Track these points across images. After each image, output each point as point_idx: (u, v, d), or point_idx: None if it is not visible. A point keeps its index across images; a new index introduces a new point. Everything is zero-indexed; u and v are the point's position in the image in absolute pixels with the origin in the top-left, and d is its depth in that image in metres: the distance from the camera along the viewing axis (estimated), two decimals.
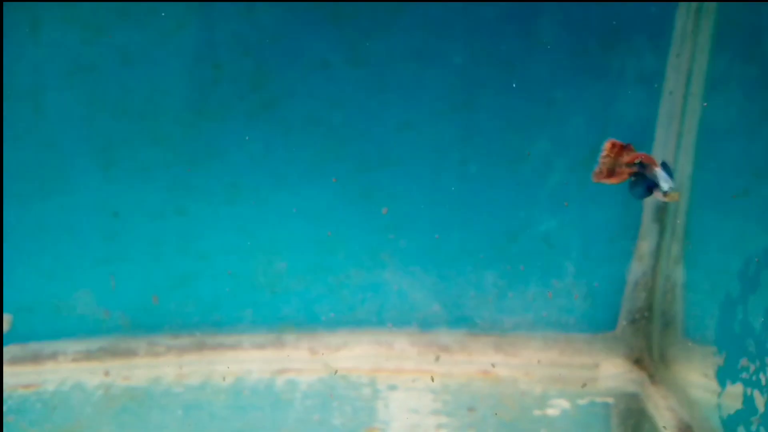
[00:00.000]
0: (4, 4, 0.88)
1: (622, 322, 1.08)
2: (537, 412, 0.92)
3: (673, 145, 0.97)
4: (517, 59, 0.97)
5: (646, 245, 1.04)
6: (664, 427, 0.88)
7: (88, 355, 1.06)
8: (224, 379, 1.00)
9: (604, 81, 0.98)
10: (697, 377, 0.90)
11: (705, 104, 0.90)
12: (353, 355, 1.08)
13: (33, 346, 1.07)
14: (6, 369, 1.02)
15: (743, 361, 0.74)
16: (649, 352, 1.04)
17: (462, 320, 1.12)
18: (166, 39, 0.95)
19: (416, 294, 1.11)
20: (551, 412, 0.92)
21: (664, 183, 0.60)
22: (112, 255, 1.04)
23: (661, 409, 0.93)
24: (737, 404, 0.75)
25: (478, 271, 1.08)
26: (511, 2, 0.93)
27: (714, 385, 0.82)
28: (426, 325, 1.13)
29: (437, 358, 1.08)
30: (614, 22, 0.95)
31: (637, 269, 1.06)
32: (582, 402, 0.95)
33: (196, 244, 1.05)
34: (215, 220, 1.04)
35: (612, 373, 1.04)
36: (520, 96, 0.99)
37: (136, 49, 0.95)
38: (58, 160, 0.99)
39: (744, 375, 0.74)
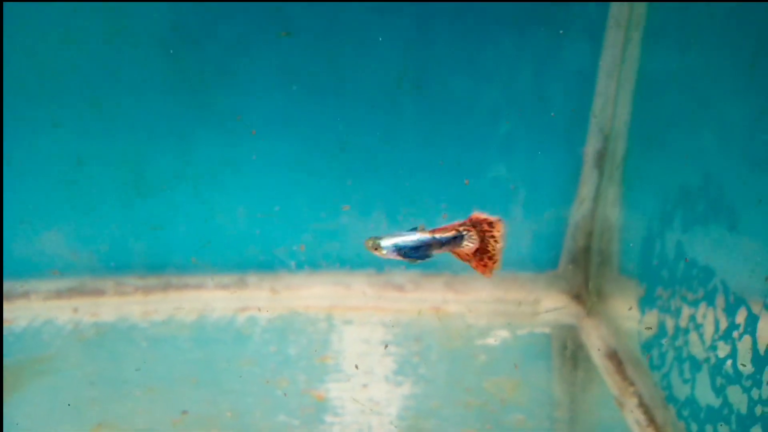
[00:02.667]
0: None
1: (564, 261, 1.13)
2: (479, 342, 0.97)
3: (612, 93, 1.00)
4: (469, 9, 0.98)
5: (586, 190, 1.08)
6: (598, 349, 0.93)
7: (58, 294, 1.08)
8: (188, 315, 1.03)
9: (549, 31, 1.00)
10: (625, 309, 0.95)
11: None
12: (312, 295, 1.12)
13: (6, 285, 1.09)
14: None
15: (659, 290, 0.79)
16: (587, 288, 1.09)
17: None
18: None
19: (373, 236, 1.14)
20: (491, 341, 0.97)
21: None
22: (78, 199, 1.05)
23: (593, 338, 0.99)
24: (653, 330, 0.80)
25: (431, 215, 1.12)
26: None
27: (637, 314, 0.87)
28: (382, 266, 1.16)
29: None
30: None
31: (578, 212, 1.10)
32: (521, 332, 1.00)
33: (161, 191, 1.06)
34: (178, 167, 1.06)
35: (551, 308, 1.09)
36: (471, 46, 1.00)
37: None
38: (29, 107, 0.99)
39: (659, 303, 0.79)
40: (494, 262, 0.59)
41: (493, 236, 0.57)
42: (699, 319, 0.69)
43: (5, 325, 1.02)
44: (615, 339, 0.97)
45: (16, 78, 0.99)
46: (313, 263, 1.16)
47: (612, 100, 1.04)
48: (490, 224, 0.58)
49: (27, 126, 1.04)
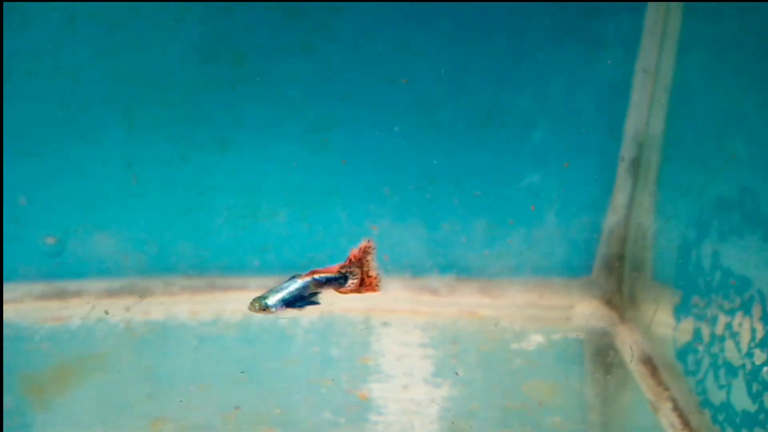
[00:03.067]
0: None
1: (597, 267, 1.15)
2: (514, 346, 0.99)
3: (647, 103, 1.02)
4: (504, 22, 1.01)
5: (620, 197, 1.10)
6: (632, 354, 0.95)
7: (110, 293, 1.13)
8: (233, 316, 1.07)
9: (583, 42, 1.02)
10: (659, 315, 0.97)
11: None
12: (350, 297, 1.15)
13: (59, 284, 1.15)
14: (34, 305, 1.10)
15: (694, 299, 0.81)
16: (620, 294, 1.10)
17: (451, 267, 1.19)
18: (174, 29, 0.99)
19: (410, 243, 1.17)
20: (527, 345, 0.99)
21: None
22: (129, 204, 1.10)
23: (627, 344, 1.00)
24: (688, 336, 0.82)
25: (466, 222, 1.14)
26: None
27: (672, 321, 0.89)
28: (417, 271, 1.19)
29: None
30: None
31: (611, 219, 1.12)
32: (556, 337, 1.02)
33: (206, 197, 1.11)
34: (222, 172, 1.10)
35: (585, 312, 1.11)
36: (506, 58, 1.03)
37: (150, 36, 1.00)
38: (79, 114, 1.04)
39: (695, 311, 0.80)
40: (376, 278, 0.61)
41: (368, 256, 0.60)
42: (735, 328, 0.71)
43: (61, 322, 1.07)
44: (649, 345, 0.98)
45: (85, 86, 1.05)
46: None
47: (646, 110, 1.06)
48: (364, 250, 0.60)
49: (82, 132, 1.09)
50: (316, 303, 0.58)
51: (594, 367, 0.97)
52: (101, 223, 1.15)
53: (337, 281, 0.58)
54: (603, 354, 1.00)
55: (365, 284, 0.62)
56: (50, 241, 1.14)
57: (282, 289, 0.57)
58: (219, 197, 1.12)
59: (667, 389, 0.86)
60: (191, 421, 0.82)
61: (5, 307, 1.08)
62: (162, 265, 1.19)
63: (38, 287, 1.14)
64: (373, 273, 0.59)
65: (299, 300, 0.57)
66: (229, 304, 1.13)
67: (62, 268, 1.16)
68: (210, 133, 1.10)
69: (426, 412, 0.85)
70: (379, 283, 0.61)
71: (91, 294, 1.13)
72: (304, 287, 0.57)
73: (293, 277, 0.57)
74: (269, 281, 1.21)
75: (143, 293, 1.11)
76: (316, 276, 0.57)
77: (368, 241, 0.59)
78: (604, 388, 0.91)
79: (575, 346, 1.02)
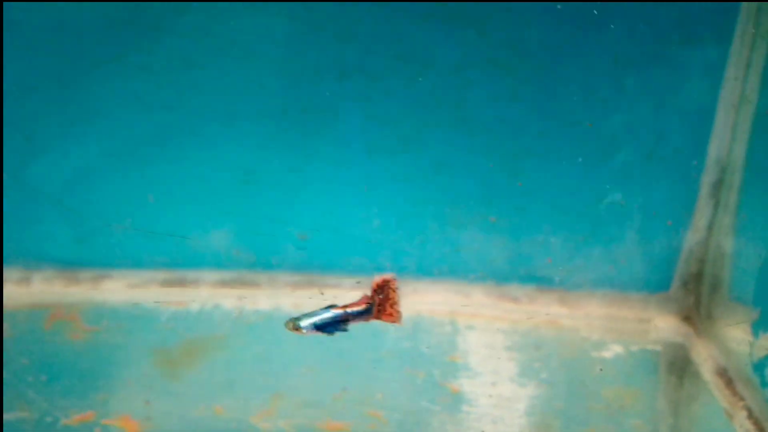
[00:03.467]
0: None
1: (676, 284, 1.19)
2: (594, 354, 1.05)
3: (730, 130, 1.07)
4: (593, 50, 1.07)
5: (701, 218, 1.14)
6: (708, 366, 0.99)
7: (223, 284, 1.26)
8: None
9: (671, 69, 1.08)
10: (736, 332, 1.01)
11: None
12: (435, 301, 1.24)
13: (178, 273, 1.28)
14: (158, 289, 1.23)
15: None
16: (697, 311, 1.15)
17: (532, 278, 1.25)
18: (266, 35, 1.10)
19: (493, 253, 1.24)
20: (606, 354, 1.05)
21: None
22: (242, 207, 1.22)
23: (703, 357, 1.05)
24: (766, 351, 0.86)
25: (549, 237, 1.21)
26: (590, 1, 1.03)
27: (749, 336, 0.94)
28: (499, 280, 1.26)
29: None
30: (680, 15, 1.04)
31: (692, 239, 1.16)
32: (634, 348, 1.07)
33: (312, 201, 1.21)
34: (329, 181, 1.20)
35: (663, 326, 1.15)
36: (595, 82, 1.09)
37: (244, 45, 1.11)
38: (196, 126, 1.16)
39: None
40: (398, 310, 0.67)
41: (391, 290, 0.66)
42: None
43: (181, 307, 1.21)
44: (725, 358, 1.02)
45: (198, 98, 1.18)
46: (434, 272, 1.28)
47: (730, 134, 1.10)
48: (387, 281, 0.67)
49: (203, 138, 1.22)
50: (345, 330, 0.66)
51: (670, 377, 1.02)
52: (217, 219, 1.28)
53: (366, 313, 0.66)
54: (679, 365, 1.05)
55: (386, 313, 0.68)
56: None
57: (315, 314, 0.65)
58: (320, 204, 1.23)
59: (742, 399, 0.91)
60: (305, 397, 0.93)
61: (135, 290, 1.22)
62: (268, 262, 1.30)
63: (161, 275, 1.28)
64: (396, 305, 0.66)
65: (329, 326, 0.65)
66: (326, 300, 1.23)
67: (181, 259, 1.30)
68: (316, 147, 1.21)
69: (515, 407, 0.92)
70: (400, 316, 0.67)
71: (206, 284, 1.26)
72: (335, 317, 0.65)
73: (329, 307, 0.65)
74: (360, 280, 1.31)
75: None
76: (348, 309, 0.65)
77: (392, 277, 0.66)
78: (681, 396, 0.96)
79: (653, 357, 1.07)
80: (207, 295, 1.26)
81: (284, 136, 1.21)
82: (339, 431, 0.76)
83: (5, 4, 0.93)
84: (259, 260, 1.32)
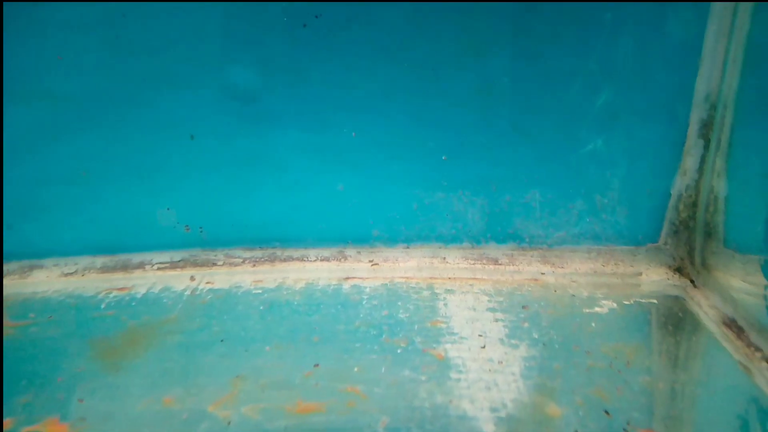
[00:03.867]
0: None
1: (665, 234, 1.11)
2: (586, 310, 0.95)
3: (719, 63, 0.98)
4: None
5: (690, 160, 1.06)
6: (712, 318, 0.90)
7: (173, 265, 1.12)
8: (296, 284, 1.05)
9: (652, 2, 0.99)
10: (740, 283, 0.93)
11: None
12: (411, 267, 1.12)
13: (121, 257, 1.14)
14: (97, 276, 1.09)
15: None
16: (691, 261, 1.06)
17: (510, 236, 1.15)
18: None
19: (468, 213, 1.14)
20: (599, 310, 0.96)
21: None
22: (189, 175, 1.08)
23: (704, 307, 0.96)
24: None
25: (526, 191, 1.11)
26: None
27: (759, 289, 0.85)
28: (476, 241, 1.16)
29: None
30: None
31: (681, 183, 1.08)
32: (628, 303, 0.98)
33: (266, 169, 1.09)
34: (288, 145, 1.08)
35: (655, 279, 1.07)
36: (570, 17, 0.99)
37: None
38: (136, 88, 1.02)
39: None
40: None
41: None
42: None
43: (124, 292, 1.06)
44: (731, 308, 0.94)
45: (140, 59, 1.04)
46: (407, 237, 1.17)
47: (719, 68, 1.02)
48: None
49: (141, 102, 1.08)
50: None
51: (673, 330, 0.93)
52: (159, 196, 1.14)
53: None
54: (678, 318, 0.96)
55: None
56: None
57: None
58: (279, 170, 1.10)
59: (758, 350, 0.82)
60: (271, 378, 0.80)
61: (70, 279, 1.07)
62: (222, 238, 1.17)
63: (100, 260, 1.13)
64: None
65: None
66: (291, 273, 1.10)
67: (124, 242, 1.15)
68: (276, 106, 1.08)
69: (508, 371, 0.82)
70: None
71: (153, 265, 1.12)
72: None
73: None
74: (327, 252, 1.19)
75: (205, 263, 1.09)
76: None
77: None
78: (691, 350, 0.87)
79: (650, 311, 0.98)
80: (154, 277, 1.12)
81: (231, 102, 1.07)
82: (312, 413, 0.63)
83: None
84: (212, 236, 1.18)
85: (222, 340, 0.88)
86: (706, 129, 1.04)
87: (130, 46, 1.00)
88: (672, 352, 0.87)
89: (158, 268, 1.14)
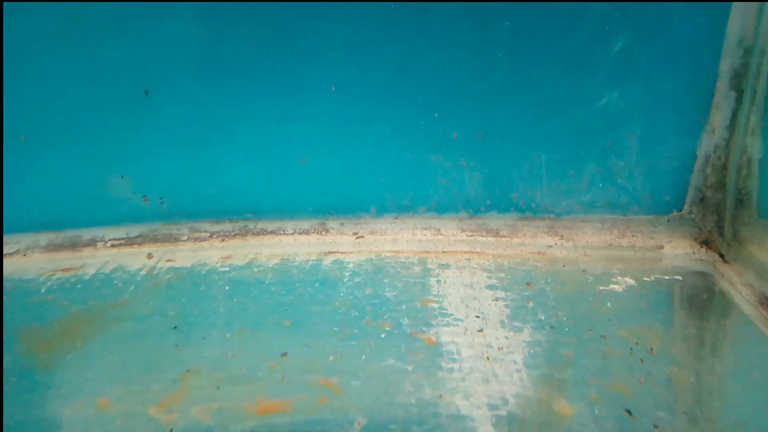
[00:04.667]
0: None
1: (690, 201, 0.99)
2: (600, 288, 0.84)
3: (756, 1, 0.85)
4: None
5: (719, 116, 0.93)
6: (746, 297, 0.79)
7: (129, 241, 1.01)
8: (269, 260, 0.94)
9: None
10: None
11: None
12: (400, 239, 1.01)
13: (69, 234, 1.02)
14: (42, 255, 0.98)
15: None
16: (720, 233, 0.95)
17: (513, 205, 1.04)
18: None
19: (464, 178, 1.02)
20: (616, 287, 0.85)
21: None
22: (145, 138, 0.97)
23: (737, 285, 0.85)
24: None
25: (531, 153, 0.99)
26: None
27: None
28: (475, 210, 1.05)
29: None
30: None
31: (708, 143, 0.96)
32: (648, 279, 0.87)
33: (234, 131, 0.97)
34: (253, 105, 0.96)
35: (678, 253, 0.95)
36: None
37: None
38: (78, 32, 0.90)
39: None
40: None
41: None
42: None
43: (70, 273, 0.95)
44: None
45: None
46: (396, 206, 1.05)
47: (756, 7, 0.89)
48: None
49: (86, 49, 0.95)
50: None
51: (702, 312, 0.82)
52: (114, 163, 1.02)
53: None
54: (710, 298, 0.84)
55: None
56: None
57: None
58: (244, 132, 0.98)
59: None
60: (229, 371, 0.69)
61: (7, 260, 0.95)
62: (186, 210, 1.06)
63: (45, 238, 1.02)
64: None
65: None
66: (265, 248, 0.99)
67: (72, 217, 1.04)
68: (239, 66, 0.96)
69: (509, 359, 0.70)
70: None
71: (107, 243, 1.01)
72: None
73: None
74: (306, 224, 1.08)
75: (166, 236, 0.98)
76: None
77: None
78: (723, 335, 0.76)
79: (674, 290, 0.87)
80: (107, 255, 1.00)
81: (192, 52, 0.95)
82: (275, 413, 0.52)
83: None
84: (175, 208, 1.06)
85: (176, 327, 0.77)
86: (739, 79, 0.91)
87: None
88: (702, 338, 0.75)
89: (112, 245, 1.02)
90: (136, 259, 0.96)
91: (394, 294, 0.84)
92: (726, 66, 0.92)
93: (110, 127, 0.97)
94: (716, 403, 0.63)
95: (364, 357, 0.70)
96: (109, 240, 1.02)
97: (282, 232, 1.05)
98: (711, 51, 0.93)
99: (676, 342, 0.72)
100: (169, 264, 0.95)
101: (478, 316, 0.78)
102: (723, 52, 0.92)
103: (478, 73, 0.96)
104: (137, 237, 1.03)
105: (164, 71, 0.94)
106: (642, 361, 0.68)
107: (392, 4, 0.91)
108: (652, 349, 0.70)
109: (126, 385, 0.65)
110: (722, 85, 0.93)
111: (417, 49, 0.94)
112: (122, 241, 1.02)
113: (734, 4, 0.89)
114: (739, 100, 0.91)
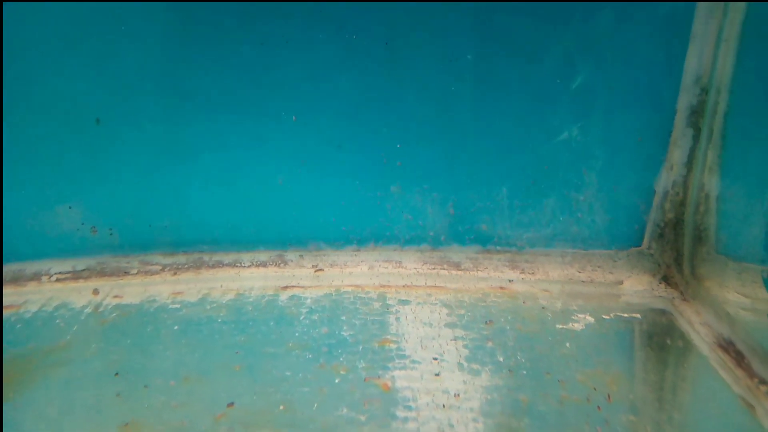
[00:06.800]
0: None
1: (649, 236, 0.99)
2: (559, 326, 0.83)
3: (713, 40, 0.85)
4: None
5: (678, 153, 0.94)
6: (706, 339, 0.79)
7: (75, 275, 0.96)
8: (224, 295, 0.90)
9: None
10: (736, 296, 0.81)
11: None
12: (361, 273, 0.99)
13: (13, 267, 0.98)
14: None
15: None
16: (679, 269, 0.95)
17: (475, 238, 1.03)
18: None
19: (425, 211, 1.01)
20: (575, 326, 0.83)
21: None
22: (96, 167, 0.93)
23: (696, 325, 0.84)
24: None
25: (493, 186, 0.98)
26: None
27: (759, 305, 0.73)
28: (436, 243, 1.03)
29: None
30: None
31: (667, 179, 0.96)
32: (607, 317, 0.86)
33: (192, 159, 0.94)
34: (212, 133, 0.93)
35: (637, 290, 0.95)
36: None
37: None
38: (26, 62, 0.86)
39: None
40: None
41: None
42: None
43: (12, 310, 0.90)
44: (728, 328, 0.82)
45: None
46: (356, 238, 1.03)
47: (712, 47, 0.89)
48: None
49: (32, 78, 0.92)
50: None
51: (660, 354, 0.81)
52: (62, 191, 0.98)
53: None
54: (668, 339, 0.84)
55: None
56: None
57: None
58: (203, 160, 0.95)
59: (764, 383, 0.70)
60: (171, 424, 0.65)
61: None
62: (137, 241, 1.02)
63: None
64: None
65: None
66: (219, 282, 0.96)
67: (14, 248, 0.99)
68: (193, 90, 0.93)
69: (466, 406, 0.68)
70: None
71: (52, 276, 0.96)
72: None
73: None
74: (264, 256, 1.04)
75: (115, 271, 0.94)
76: None
77: None
78: (681, 379, 0.75)
79: (633, 328, 0.86)
80: (51, 291, 0.96)
81: (145, 79, 0.92)
82: None
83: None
84: (125, 239, 1.02)
85: (117, 374, 0.73)
86: (696, 117, 0.92)
87: (16, 6, 0.84)
88: (660, 383, 0.74)
89: (57, 280, 0.97)
90: (81, 296, 0.92)
91: (351, 333, 0.82)
92: (683, 103, 0.92)
93: (59, 155, 0.93)
94: None
95: (315, 406, 0.67)
96: (55, 274, 0.97)
97: (239, 264, 1.02)
98: (669, 88, 0.93)
99: (634, 387, 0.71)
100: (117, 300, 0.91)
101: (435, 358, 0.76)
102: (681, 90, 0.93)
103: (442, 106, 0.95)
104: (84, 270, 0.99)
105: (119, 98, 0.91)
106: (599, 408, 0.67)
107: (354, 35, 0.90)
108: (609, 396, 0.69)
109: None
110: (680, 121, 0.93)
111: (380, 81, 0.92)
112: (68, 275, 0.98)
113: (691, 42, 0.90)
114: (696, 138, 0.91)
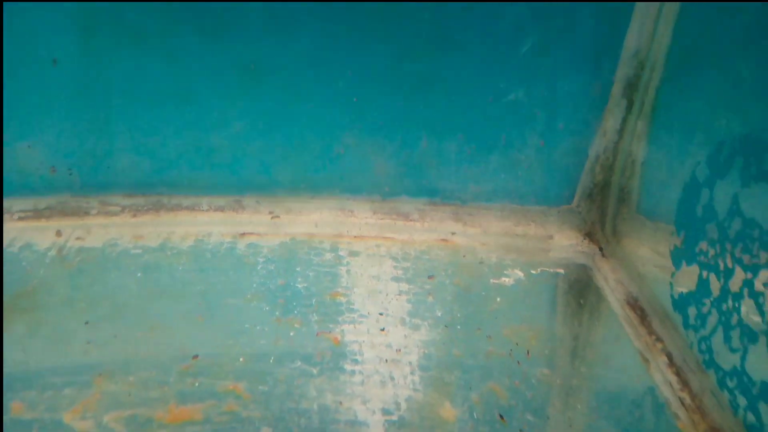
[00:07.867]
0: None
1: (579, 196, 1.06)
2: (493, 281, 0.91)
3: (653, 16, 0.89)
4: None
5: (611, 121, 0.99)
6: (617, 295, 0.88)
7: (37, 214, 0.97)
8: (183, 241, 0.94)
9: None
10: (648, 253, 0.90)
11: None
12: (315, 220, 1.03)
13: None
14: None
15: (702, 245, 0.73)
16: (602, 226, 1.03)
17: (424, 190, 1.08)
18: None
19: (378, 162, 1.04)
20: (506, 281, 0.92)
21: None
22: (53, 105, 0.92)
23: (610, 282, 0.94)
24: (690, 285, 0.75)
25: (442, 142, 1.02)
26: None
27: (666, 263, 0.82)
28: (387, 193, 1.08)
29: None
30: None
31: (599, 144, 1.02)
32: (535, 272, 0.94)
33: (149, 99, 0.93)
34: (168, 73, 0.92)
35: (564, 244, 1.03)
36: None
37: None
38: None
39: (702, 258, 0.73)
40: None
41: None
42: (758, 287, 0.64)
43: None
44: (636, 287, 0.92)
45: None
46: (311, 186, 1.07)
47: (652, 23, 0.93)
48: None
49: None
50: None
51: (577, 310, 0.90)
52: (18, 131, 0.96)
53: None
54: (585, 294, 0.93)
55: None
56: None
57: None
58: (164, 103, 0.95)
59: (660, 340, 0.81)
60: (141, 375, 0.71)
61: None
62: (97, 182, 1.02)
63: None
64: None
65: None
66: (178, 227, 0.99)
67: None
68: (157, 34, 0.91)
69: (406, 360, 0.76)
70: None
71: (14, 215, 0.97)
72: None
73: None
74: (223, 200, 1.07)
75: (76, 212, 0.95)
76: None
77: None
78: (594, 335, 0.85)
79: (556, 283, 0.95)
80: (14, 230, 0.97)
81: (101, 19, 0.89)
82: (186, 421, 0.55)
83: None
84: (85, 180, 1.03)
85: (87, 323, 0.77)
86: (631, 89, 0.97)
87: None
88: (573, 339, 0.84)
89: (19, 218, 0.98)
90: (44, 236, 0.94)
91: (305, 285, 0.88)
92: (621, 75, 0.97)
93: (17, 95, 0.92)
94: (578, 407, 0.72)
95: (272, 359, 0.74)
96: (16, 212, 0.98)
97: (197, 208, 1.05)
98: (609, 60, 0.97)
99: (550, 343, 0.80)
100: (79, 243, 0.93)
101: (381, 313, 0.83)
102: (620, 62, 0.97)
103: (398, 63, 0.97)
104: (45, 209, 1.00)
105: (73, 38, 0.89)
106: (519, 363, 0.76)
107: None
108: (528, 351, 0.78)
109: (39, 390, 0.66)
110: (616, 92, 0.98)
111: (338, 36, 0.93)
112: (30, 213, 0.99)
113: (633, 18, 0.93)
114: (629, 108, 0.97)
